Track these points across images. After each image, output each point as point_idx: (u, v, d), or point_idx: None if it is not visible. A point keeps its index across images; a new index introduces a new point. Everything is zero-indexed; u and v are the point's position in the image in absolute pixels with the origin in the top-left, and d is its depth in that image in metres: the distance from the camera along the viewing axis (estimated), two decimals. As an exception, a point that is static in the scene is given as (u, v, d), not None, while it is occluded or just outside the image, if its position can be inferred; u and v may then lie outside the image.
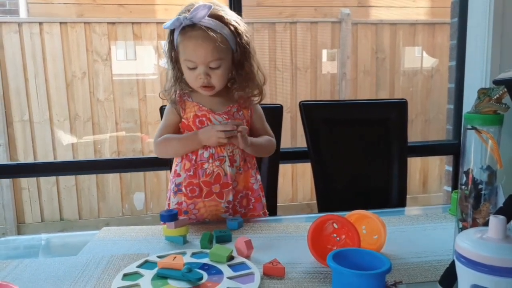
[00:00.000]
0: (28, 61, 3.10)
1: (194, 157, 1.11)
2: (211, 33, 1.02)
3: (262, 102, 1.19)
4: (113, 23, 3.22)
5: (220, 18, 1.05)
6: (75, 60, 3.18)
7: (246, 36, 1.10)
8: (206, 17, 1.02)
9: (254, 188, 1.17)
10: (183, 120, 1.13)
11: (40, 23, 3.12)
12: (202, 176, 1.10)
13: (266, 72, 1.19)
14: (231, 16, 1.08)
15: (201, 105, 1.12)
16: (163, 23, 1.06)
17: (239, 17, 1.10)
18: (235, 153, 1.12)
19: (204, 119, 1.11)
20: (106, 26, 3.20)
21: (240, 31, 1.09)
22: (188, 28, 1.04)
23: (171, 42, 1.10)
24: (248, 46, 1.11)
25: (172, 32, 1.09)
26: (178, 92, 1.13)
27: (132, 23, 3.25)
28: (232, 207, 1.12)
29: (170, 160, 1.23)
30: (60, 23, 3.14)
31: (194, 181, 1.10)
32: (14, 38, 3.07)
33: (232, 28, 1.07)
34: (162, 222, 0.94)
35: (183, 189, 1.11)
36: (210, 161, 1.10)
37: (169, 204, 1.15)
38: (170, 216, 0.92)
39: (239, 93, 1.16)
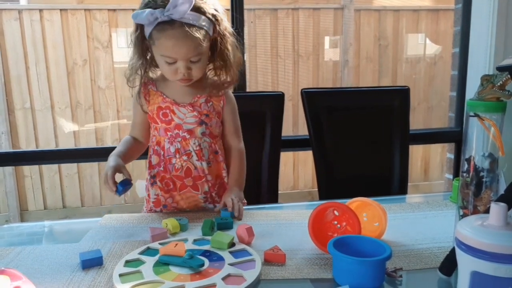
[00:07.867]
0: (29, 49, 3.09)
1: (162, 152, 1.08)
2: (193, 32, 0.94)
3: (265, 90, 1.17)
4: (114, 10, 3.19)
5: (198, 10, 0.96)
6: (76, 48, 3.16)
7: (224, 21, 1.04)
8: None
9: (225, 181, 1.14)
10: (148, 113, 1.08)
11: (40, 10, 3.09)
12: (172, 170, 1.07)
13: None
14: (209, 3, 0.99)
15: (164, 96, 1.06)
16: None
17: (216, 1, 1.02)
18: (203, 147, 1.07)
19: (167, 111, 1.05)
20: (106, 13, 3.18)
21: (218, 18, 1.01)
22: (165, 24, 0.95)
23: (141, 33, 1.01)
24: (225, 32, 1.04)
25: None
26: (142, 80, 1.06)
27: (133, 10, 3.19)
28: (210, 197, 1.11)
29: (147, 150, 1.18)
30: (61, 10, 3.12)
31: (166, 176, 1.08)
32: (15, 25, 3.05)
33: (210, 17, 0.99)
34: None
35: (158, 182, 1.10)
36: (177, 156, 1.06)
37: (148, 195, 1.13)
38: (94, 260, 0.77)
39: (211, 79, 1.10)
